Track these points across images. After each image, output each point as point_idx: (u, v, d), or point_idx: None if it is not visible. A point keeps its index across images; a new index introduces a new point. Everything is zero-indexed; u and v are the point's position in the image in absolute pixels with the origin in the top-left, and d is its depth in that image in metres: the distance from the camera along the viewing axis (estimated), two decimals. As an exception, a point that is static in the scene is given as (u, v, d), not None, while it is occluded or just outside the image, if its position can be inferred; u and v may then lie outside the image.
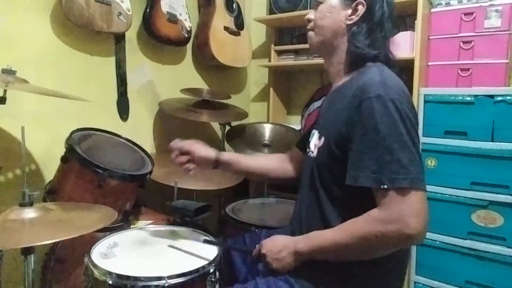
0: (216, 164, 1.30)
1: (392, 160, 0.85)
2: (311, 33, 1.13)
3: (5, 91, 1.27)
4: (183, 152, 1.28)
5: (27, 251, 1.01)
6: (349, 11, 1.05)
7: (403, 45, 2.00)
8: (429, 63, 2.03)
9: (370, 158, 0.87)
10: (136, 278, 0.97)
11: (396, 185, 0.84)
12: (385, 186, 0.85)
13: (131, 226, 1.47)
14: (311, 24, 1.12)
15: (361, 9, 1.03)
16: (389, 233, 0.84)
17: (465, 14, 1.92)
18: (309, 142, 1.13)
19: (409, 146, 0.87)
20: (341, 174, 0.93)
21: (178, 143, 1.28)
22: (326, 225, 0.98)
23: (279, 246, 1.01)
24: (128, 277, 0.97)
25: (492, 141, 1.73)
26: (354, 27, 1.03)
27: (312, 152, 1.08)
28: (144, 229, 1.35)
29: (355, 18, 1.04)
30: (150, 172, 1.54)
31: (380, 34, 1.03)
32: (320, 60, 2.19)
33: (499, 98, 1.72)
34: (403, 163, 0.85)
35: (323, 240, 0.94)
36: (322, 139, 1.03)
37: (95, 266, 1.02)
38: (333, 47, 1.08)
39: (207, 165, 1.30)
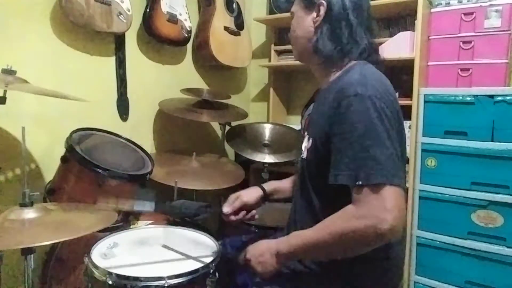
0: (265, 198, 1.34)
1: (367, 157, 0.85)
2: (292, 47, 1.17)
3: (5, 91, 1.27)
4: (238, 210, 1.27)
5: (27, 251, 1.01)
6: (314, 14, 1.06)
7: (403, 45, 2.00)
8: (429, 63, 2.03)
9: (347, 156, 0.87)
10: (136, 278, 0.97)
11: (370, 181, 0.84)
12: (360, 183, 0.85)
13: (131, 226, 1.47)
14: (291, 39, 1.16)
15: (323, 9, 1.04)
16: (363, 229, 0.83)
17: (465, 14, 1.91)
18: (301, 144, 1.15)
19: (385, 143, 0.86)
20: (328, 173, 0.93)
21: (227, 208, 1.26)
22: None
23: (261, 250, 1.01)
24: (128, 277, 0.97)
25: (492, 141, 1.73)
26: (319, 30, 1.05)
27: (303, 154, 1.10)
28: (144, 229, 1.35)
29: (319, 19, 1.05)
30: (150, 172, 1.54)
31: (346, 30, 1.03)
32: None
33: (499, 98, 1.72)
34: (378, 159, 0.84)
35: (303, 239, 0.94)
36: (310, 140, 1.05)
37: (95, 266, 1.02)
38: (309, 53, 1.09)
39: (259, 205, 1.33)
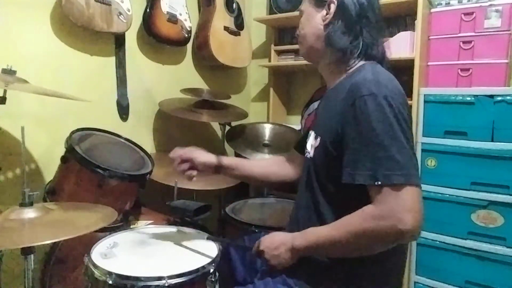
0: (218, 169, 1.29)
1: (386, 157, 0.85)
2: (299, 45, 1.16)
3: (5, 91, 1.27)
4: (184, 160, 1.26)
5: (27, 251, 1.01)
6: (324, 12, 1.06)
7: (403, 45, 2.00)
8: (429, 63, 2.03)
9: (364, 156, 0.88)
10: (136, 278, 0.97)
11: (390, 181, 0.85)
12: (379, 183, 0.85)
13: (131, 226, 1.47)
14: (299, 37, 1.15)
15: (333, 7, 1.04)
16: (383, 229, 0.85)
17: (465, 14, 1.92)
18: (306, 143, 1.14)
19: (403, 142, 0.87)
20: (337, 173, 0.93)
21: (178, 151, 1.26)
22: (322, 223, 0.99)
23: (276, 243, 1.01)
24: (128, 277, 0.97)
25: (492, 141, 1.73)
26: (330, 26, 1.04)
27: (309, 153, 1.09)
28: (144, 229, 1.35)
29: (329, 17, 1.04)
30: (150, 172, 1.54)
31: (366, 27, 1.03)
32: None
33: (499, 98, 1.72)
34: (397, 159, 0.85)
35: (319, 236, 0.95)
36: (318, 139, 1.04)
37: (95, 266, 1.02)
38: (318, 51, 1.09)
39: (208, 171, 1.29)
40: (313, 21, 1.08)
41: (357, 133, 0.90)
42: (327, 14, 1.05)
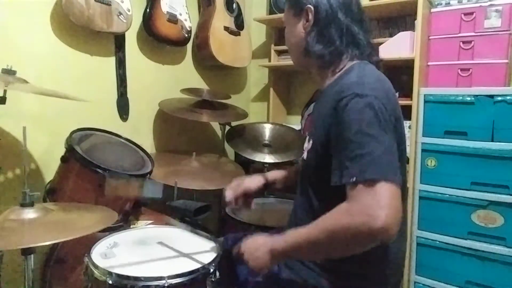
0: (266, 187, 1.34)
1: (362, 154, 0.84)
2: (290, 55, 1.18)
3: (5, 91, 1.27)
4: (238, 197, 1.29)
5: (27, 251, 1.01)
6: (304, 20, 1.06)
7: (403, 45, 2.00)
8: (429, 63, 2.03)
9: (344, 155, 0.87)
10: (136, 278, 0.97)
11: (363, 177, 0.82)
12: (354, 179, 0.83)
13: (131, 226, 1.47)
14: (288, 49, 1.17)
15: (311, 14, 1.04)
16: (356, 226, 0.80)
17: (465, 14, 1.91)
18: (303, 145, 1.15)
19: (382, 140, 0.85)
20: (326, 175, 0.93)
21: (231, 196, 1.28)
22: None
23: (256, 245, 1.00)
24: (128, 277, 0.97)
25: (492, 141, 1.73)
26: (309, 34, 1.05)
27: (304, 155, 1.10)
28: (144, 229, 1.35)
29: (309, 25, 1.05)
30: (150, 172, 1.54)
31: (337, 31, 1.02)
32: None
33: (499, 98, 1.72)
34: (374, 155, 0.83)
35: (297, 237, 0.92)
36: (310, 141, 1.05)
37: (95, 266, 1.02)
38: (303, 58, 1.09)
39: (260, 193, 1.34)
40: (296, 32, 1.09)
41: (338, 134, 0.89)
42: (306, 22, 1.05)
